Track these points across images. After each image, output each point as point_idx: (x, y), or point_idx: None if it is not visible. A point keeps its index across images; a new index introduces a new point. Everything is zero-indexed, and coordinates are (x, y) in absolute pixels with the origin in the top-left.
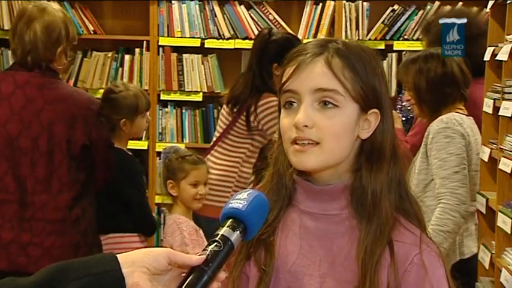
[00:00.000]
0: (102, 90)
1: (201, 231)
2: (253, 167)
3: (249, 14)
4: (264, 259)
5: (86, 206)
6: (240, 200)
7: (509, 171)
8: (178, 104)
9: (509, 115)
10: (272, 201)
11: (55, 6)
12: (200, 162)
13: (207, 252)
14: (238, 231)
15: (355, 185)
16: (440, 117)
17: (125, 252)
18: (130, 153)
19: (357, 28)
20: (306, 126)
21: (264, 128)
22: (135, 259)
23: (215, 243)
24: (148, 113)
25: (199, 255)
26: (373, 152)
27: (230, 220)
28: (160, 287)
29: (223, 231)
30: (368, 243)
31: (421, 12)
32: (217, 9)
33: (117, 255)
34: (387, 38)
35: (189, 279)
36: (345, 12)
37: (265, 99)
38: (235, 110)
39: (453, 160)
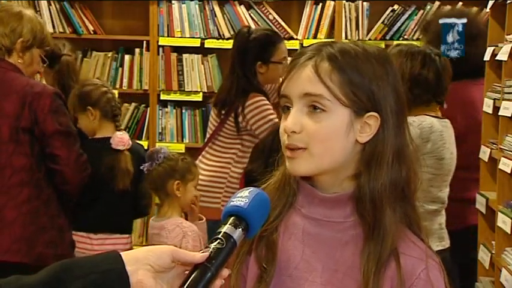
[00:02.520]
0: None
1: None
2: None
3: (249, 14)
4: (266, 257)
5: (31, 197)
6: (241, 198)
7: (509, 171)
8: (178, 104)
9: (509, 115)
10: (276, 197)
11: (28, 11)
12: (196, 164)
13: (210, 249)
14: (240, 229)
15: (356, 192)
16: None
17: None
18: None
19: (357, 28)
20: (294, 132)
21: (252, 128)
22: (139, 257)
23: (218, 241)
24: None
25: (203, 252)
26: (373, 156)
27: (232, 218)
28: (164, 285)
29: (226, 228)
30: (371, 252)
31: (421, 12)
32: (217, 9)
33: (121, 253)
34: (387, 38)
35: (192, 276)
36: (345, 12)
37: (252, 99)
38: (223, 112)
39: None
